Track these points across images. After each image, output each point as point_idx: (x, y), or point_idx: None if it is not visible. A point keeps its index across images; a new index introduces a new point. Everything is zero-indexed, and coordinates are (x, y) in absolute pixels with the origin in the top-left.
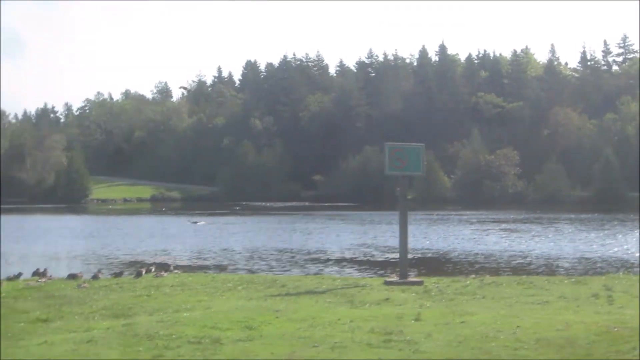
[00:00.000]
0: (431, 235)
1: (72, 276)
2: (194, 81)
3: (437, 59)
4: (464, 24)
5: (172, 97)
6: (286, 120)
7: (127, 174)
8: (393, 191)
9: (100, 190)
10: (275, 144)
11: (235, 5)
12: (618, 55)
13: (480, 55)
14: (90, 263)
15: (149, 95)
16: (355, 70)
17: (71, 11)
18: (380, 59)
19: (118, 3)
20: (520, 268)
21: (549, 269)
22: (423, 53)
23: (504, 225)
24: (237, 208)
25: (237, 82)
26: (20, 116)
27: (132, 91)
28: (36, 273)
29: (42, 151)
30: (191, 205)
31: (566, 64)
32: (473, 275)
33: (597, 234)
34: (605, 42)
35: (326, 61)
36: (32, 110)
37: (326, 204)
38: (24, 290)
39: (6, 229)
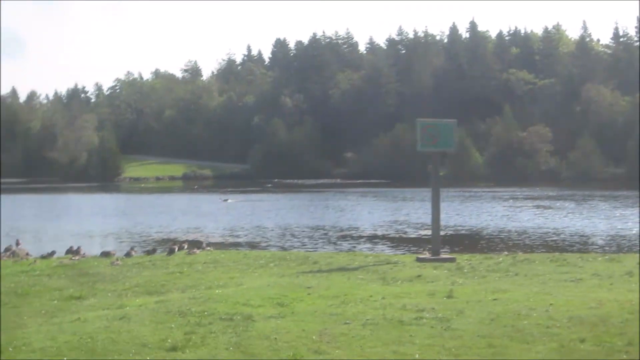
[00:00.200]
0: (464, 212)
1: (105, 254)
2: (223, 60)
3: (467, 35)
4: (494, 0)
5: (202, 75)
6: (316, 98)
7: (158, 152)
8: (425, 168)
9: (132, 169)
10: (306, 122)
11: None
12: None
13: (511, 32)
14: (123, 241)
15: (178, 74)
16: (385, 48)
17: None
18: (411, 36)
19: None
20: (554, 245)
21: (583, 246)
22: (453, 30)
23: (537, 202)
24: (269, 185)
25: (267, 60)
26: (51, 97)
27: (162, 70)
28: (70, 251)
29: (74, 131)
30: (223, 183)
31: (598, 40)
32: (506, 253)
33: (631, 211)
34: (638, 18)
35: (356, 39)
36: (63, 90)
37: (358, 181)
38: (57, 268)
39: (40, 208)
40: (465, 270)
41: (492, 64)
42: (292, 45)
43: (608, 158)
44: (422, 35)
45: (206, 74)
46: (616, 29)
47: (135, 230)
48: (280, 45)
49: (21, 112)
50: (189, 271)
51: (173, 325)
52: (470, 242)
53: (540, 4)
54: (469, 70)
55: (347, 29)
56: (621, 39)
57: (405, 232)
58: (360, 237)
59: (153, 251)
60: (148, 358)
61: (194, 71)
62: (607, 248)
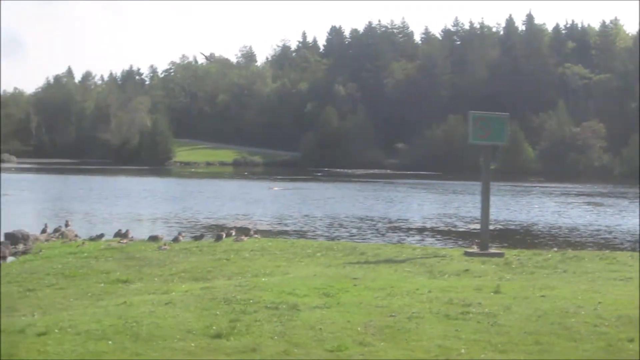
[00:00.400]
0: (514, 206)
1: (153, 238)
2: (278, 46)
3: (523, 28)
4: None
5: (256, 61)
6: (370, 87)
7: (210, 137)
8: (476, 161)
9: (183, 153)
10: (359, 111)
11: None
12: None
13: (568, 26)
14: (172, 225)
15: (233, 59)
16: (440, 38)
17: None
18: (466, 27)
19: None
20: (604, 243)
21: (634, 244)
22: (510, 22)
23: (588, 199)
24: (319, 174)
25: (322, 47)
26: (106, 77)
27: (217, 55)
28: (118, 234)
29: (127, 113)
30: (273, 171)
31: None
32: (555, 249)
33: None
34: None
35: (411, 28)
36: (117, 72)
37: (408, 172)
38: (105, 251)
39: (90, 190)
40: (514, 266)
41: (547, 57)
42: (347, 33)
43: None
44: (478, 26)
45: (261, 59)
46: None
47: (184, 215)
48: (335, 33)
49: (76, 92)
50: (236, 258)
51: (218, 312)
52: (520, 237)
53: None
54: (524, 64)
55: (403, 18)
56: None
57: (454, 226)
58: (409, 229)
59: (201, 237)
60: (192, 344)
61: (248, 56)
62: None
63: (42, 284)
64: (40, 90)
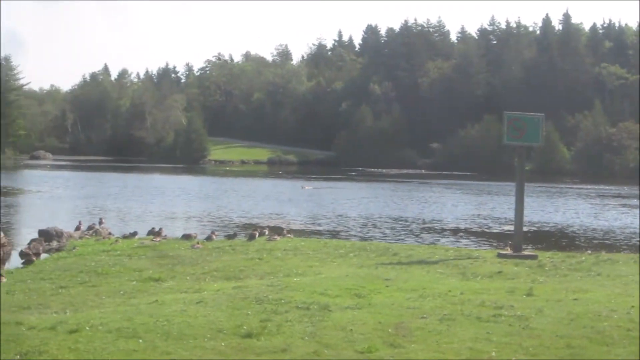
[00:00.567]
0: (548, 208)
1: (186, 236)
2: (314, 44)
3: (560, 28)
4: None
5: (292, 59)
6: (405, 86)
7: (245, 135)
8: (511, 161)
9: (218, 151)
10: (394, 110)
11: None
12: None
13: (605, 25)
14: (205, 224)
15: (269, 58)
16: (476, 37)
17: None
18: (503, 26)
19: None
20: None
21: None
22: (546, 22)
23: (624, 201)
24: (353, 174)
25: (357, 46)
26: (142, 75)
27: (253, 53)
28: (151, 232)
29: (162, 111)
30: (307, 170)
31: None
32: (589, 251)
33: None
34: None
35: (447, 27)
36: (153, 69)
37: (442, 173)
38: (138, 249)
39: (125, 188)
40: (547, 268)
41: (584, 57)
42: (383, 32)
43: None
44: (515, 26)
45: (296, 58)
46: None
47: (218, 213)
48: (371, 32)
49: (112, 89)
50: (268, 258)
51: (249, 312)
52: (554, 239)
53: None
54: (560, 63)
55: (439, 17)
56: None
57: (488, 227)
58: (443, 230)
59: (234, 236)
60: (222, 344)
61: (284, 55)
62: None
63: (75, 282)
64: (76, 87)
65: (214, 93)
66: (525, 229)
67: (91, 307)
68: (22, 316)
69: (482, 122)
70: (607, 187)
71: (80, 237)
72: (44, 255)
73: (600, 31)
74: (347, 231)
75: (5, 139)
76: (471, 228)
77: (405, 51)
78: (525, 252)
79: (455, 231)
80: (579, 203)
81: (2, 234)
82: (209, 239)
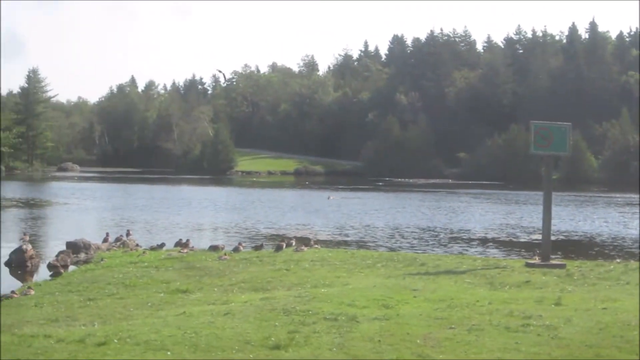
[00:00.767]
0: (577, 217)
1: (213, 248)
2: (340, 55)
3: (587, 36)
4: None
5: (318, 70)
6: (431, 96)
7: (271, 146)
8: (538, 170)
9: (244, 162)
10: (420, 120)
11: None
12: None
13: (632, 34)
14: (232, 235)
15: (295, 68)
16: (502, 47)
17: None
18: (529, 35)
19: None
20: None
21: None
22: (573, 30)
23: None
24: (380, 184)
25: (384, 56)
26: (169, 87)
27: (279, 64)
28: (179, 243)
29: (189, 122)
30: (334, 180)
31: None
32: (618, 260)
33: None
34: None
35: (473, 37)
36: (180, 81)
37: (469, 182)
38: (165, 261)
39: (152, 199)
40: (575, 277)
41: (610, 65)
42: (409, 42)
43: None
44: (541, 34)
45: (322, 68)
46: None
47: (245, 224)
48: (397, 42)
49: (139, 101)
50: (296, 269)
51: (277, 324)
52: (582, 248)
53: None
54: (587, 72)
55: (465, 27)
56: None
57: (516, 236)
58: (471, 239)
59: (261, 247)
60: (251, 355)
61: (310, 65)
62: None
63: (103, 294)
64: (103, 99)
65: (241, 104)
66: (553, 238)
67: (119, 319)
68: (50, 329)
69: (509, 131)
70: (635, 196)
71: (108, 249)
72: (71, 268)
73: (627, 39)
74: (375, 241)
75: (33, 151)
76: (499, 237)
77: (431, 61)
78: (554, 261)
79: (483, 241)
80: (608, 211)
81: (30, 246)
82: (236, 250)
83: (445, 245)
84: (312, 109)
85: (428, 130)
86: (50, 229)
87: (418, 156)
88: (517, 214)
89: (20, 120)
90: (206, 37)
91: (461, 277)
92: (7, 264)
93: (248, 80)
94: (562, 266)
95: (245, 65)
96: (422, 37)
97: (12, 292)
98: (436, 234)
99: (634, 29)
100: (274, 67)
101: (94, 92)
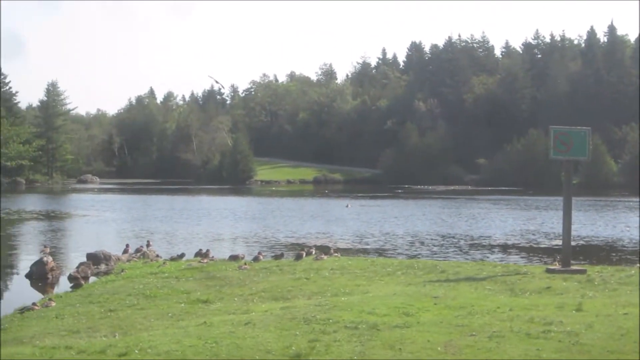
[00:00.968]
0: (597, 221)
1: (233, 257)
2: (358, 63)
3: (605, 40)
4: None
5: (336, 78)
6: (450, 103)
7: (290, 155)
8: (558, 175)
9: (263, 172)
10: (439, 127)
11: None
12: None
13: None
14: (252, 245)
15: (313, 77)
16: (521, 52)
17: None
18: (547, 40)
19: None
20: None
21: None
22: (591, 34)
23: None
24: (399, 191)
25: (402, 63)
26: (187, 98)
27: (297, 73)
28: (199, 254)
29: (208, 132)
30: (353, 188)
31: None
32: (638, 265)
33: None
34: None
35: (491, 42)
36: (199, 91)
37: (489, 188)
38: (186, 271)
39: (172, 210)
40: (596, 283)
41: (629, 69)
42: (427, 48)
43: None
44: (559, 39)
45: (340, 77)
46: None
47: (264, 234)
48: (415, 49)
49: (158, 112)
50: (316, 277)
51: (297, 333)
52: (603, 253)
53: None
54: (606, 76)
55: (483, 32)
56: None
57: (536, 242)
58: (491, 246)
59: (281, 256)
60: None
61: (328, 74)
62: None
63: (124, 304)
64: (122, 111)
65: (259, 114)
66: (573, 243)
67: (140, 330)
68: (71, 340)
69: (528, 136)
70: None
71: (128, 260)
72: (92, 279)
73: None
74: (394, 249)
75: (52, 164)
76: (519, 243)
77: (449, 67)
78: (574, 267)
79: (503, 247)
80: (628, 216)
81: (51, 258)
82: (256, 259)
83: (465, 252)
84: (330, 117)
85: (447, 136)
86: (71, 241)
87: (437, 163)
88: (537, 219)
89: (40, 133)
90: (224, 47)
91: (481, 283)
92: (28, 275)
93: (266, 90)
94: (582, 272)
95: (264, 75)
96: (440, 43)
97: (33, 304)
98: (456, 240)
99: None
100: (292, 76)
101: (113, 104)
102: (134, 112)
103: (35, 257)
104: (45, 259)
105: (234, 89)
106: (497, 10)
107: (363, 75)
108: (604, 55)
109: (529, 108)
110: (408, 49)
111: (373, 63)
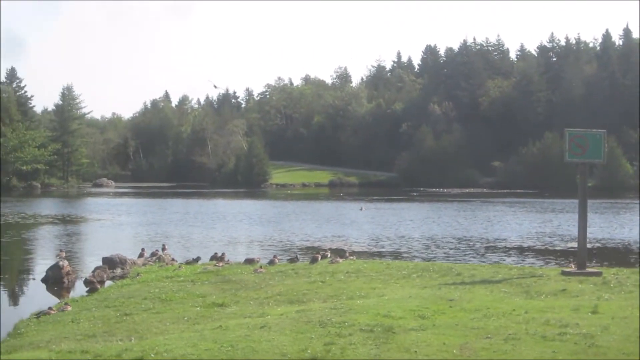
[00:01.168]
0: (613, 224)
1: (248, 261)
2: (373, 66)
3: (620, 42)
4: None
5: (351, 82)
6: (465, 106)
7: (305, 158)
8: (573, 178)
9: (279, 175)
10: (454, 130)
11: None
12: None
13: None
14: (267, 248)
15: (328, 81)
16: (536, 55)
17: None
18: (562, 43)
19: None
20: None
21: None
22: (606, 37)
23: None
24: (415, 194)
25: (417, 66)
26: (202, 101)
27: (312, 76)
28: (214, 257)
29: (223, 136)
30: (369, 191)
31: None
32: None
33: None
34: None
35: (506, 45)
36: (214, 95)
37: (504, 191)
38: (201, 274)
39: (187, 213)
40: (612, 285)
41: None
42: (442, 51)
43: None
44: (574, 42)
45: (355, 80)
46: None
47: (279, 237)
48: (430, 52)
49: (173, 116)
50: (331, 280)
51: (313, 336)
52: (619, 255)
53: None
54: (621, 78)
55: (498, 35)
56: None
57: (552, 244)
58: (507, 248)
59: (296, 259)
60: None
61: (343, 77)
62: None
63: (139, 308)
64: (137, 114)
65: (274, 117)
66: (589, 245)
67: (155, 333)
68: (87, 344)
69: (543, 139)
70: None
71: (144, 264)
72: (108, 283)
73: None
74: (410, 252)
75: (68, 168)
76: (535, 246)
77: (464, 70)
78: (590, 269)
79: (519, 250)
80: None
81: (67, 263)
82: (271, 263)
83: (481, 255)
84: (345, 121)
85: (462, 139)
86: (86, 245)
87: (452, 166)
88: (553, 222)
89: (55, 137)
90: (240, 51)
91: (497, 286)
92: (44, 280)
93: (281, 93)
94: (598, 274)
95: (279, 78)
96: (455, 46)
97: (50, 308)
98: (472, 243)
99: None
100: (307, 79)
101: (128, 108)
102: (149, 115)
103: (51, 262)
104: (61, 263)
105: (249, 92)
106: (512, 13)
107: (378, 79)
108: (619, 58)
109: (544, 111)
110: (423, 52)
111: (388, 66)
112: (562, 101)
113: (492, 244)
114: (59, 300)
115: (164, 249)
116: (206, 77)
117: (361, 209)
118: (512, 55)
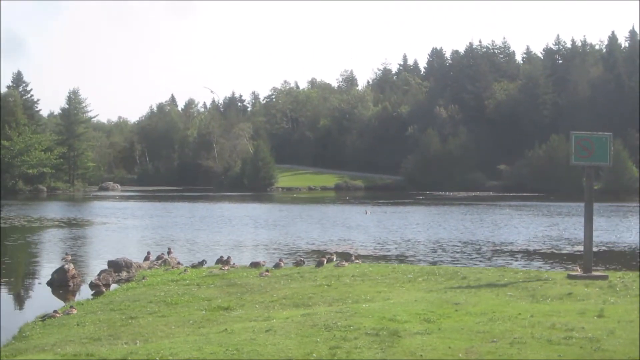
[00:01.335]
0: (619, 227)
1: (254, 264)
2: (379, 69)
3: (626, 45)
4: None
5: (357, 85)
6: (471, 109)
7: (311, 162)
8: (580, 181)
9: (285, 179)
10: (460, 133)
11: None
12: None
13: None
14: (273, 252)
15: (334, 84)
16: (542, 57)
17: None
18: (568, 45)
19: None
20: None
21: None
22: (612, 39)
23: None
24: (421, 197)
25: (423, 69)
26: (208, 105)
27: (318, 79)
28: (220, 261)
29: (229, 139)
30: (375, 195)
31: None
32: None
33: None
34: None
35: (512, 48)
36: (220, 98)
37: (510, 194)
38: (207, 278)
39: (193, 217)
40: (618, 289)
41: None
42: (448, 54)
43: None
44: (580, 44)
45: (361, 83)
46: None
47: (285, 241)
48: (436, 55)
49: (179, 119)
50: (337, 284)
51: (318, 339)
52: (625, 259)
53: None
54: (627, 81)
55: (504, 38)
56: None
57: (559, 248)
58: (513, 252)
59: (302, 263)
60: None
61: (349, 80)
62: None
63: (145, 312)
64: (143, 118)
65: (280, 120)
66: (595, 249)
67: (161, 337)
68: (93, 348)
69: (549, 142)
70: None
71: (149, 267)
72: (113, 286)
73: None
74: (416, 256)
75: (74, 171)
76: (541, 249)
77: (470, 73)
78: (596, 273)
79: (525, 253)
80: None
81: (72, 266)
82: (277, 266)
83: (487, 259)
84: (351, 124)
85: (468, 142)
86: (92, 248)
87: (458, 169)
88: (559, 225)
89: (61, 140)
90: (246, 55)
91: (503, 290)
92: (50, 283)
93: (287, 97)
94: (604, 277)
95: (285, 82)
96: (461, 49)
97: (55, 311)
98: (478, 247)
99: None
100: (313, 82)
101: (134, 112)
102: (155, 119)
103: (56, 265)
104: (66, 266)
105: (255, 96)
106: (518, 15)
107: (384, 82)
108: (625, 61)
109: (550, 114)
110: (429, 55)
111: (394, 69)
112: (568, 104)
113: (498, 248)
114: (64, 304)
115: (169, 252)
116: (203, 85)
117: (366, 213)
118: (518, 57)
